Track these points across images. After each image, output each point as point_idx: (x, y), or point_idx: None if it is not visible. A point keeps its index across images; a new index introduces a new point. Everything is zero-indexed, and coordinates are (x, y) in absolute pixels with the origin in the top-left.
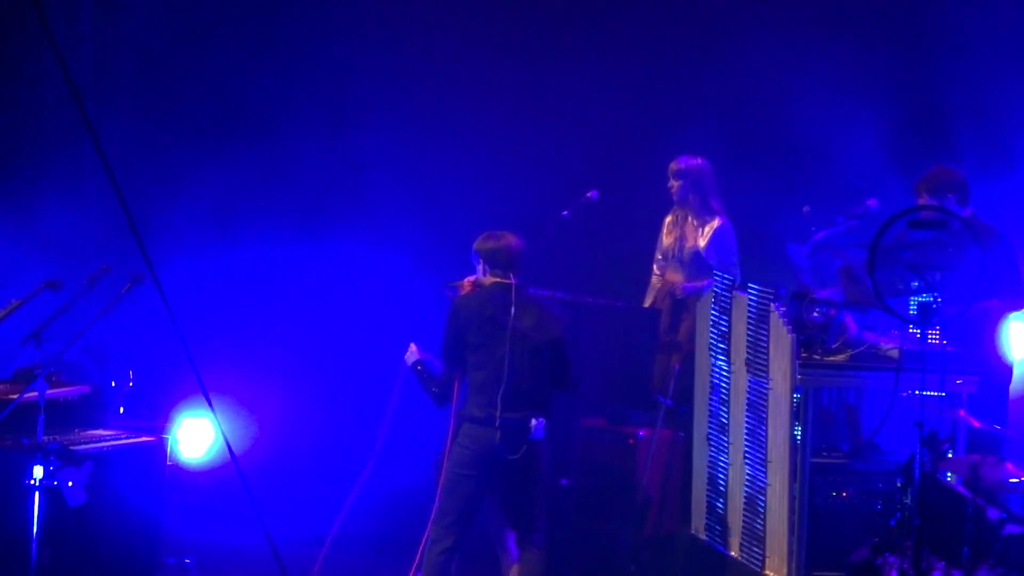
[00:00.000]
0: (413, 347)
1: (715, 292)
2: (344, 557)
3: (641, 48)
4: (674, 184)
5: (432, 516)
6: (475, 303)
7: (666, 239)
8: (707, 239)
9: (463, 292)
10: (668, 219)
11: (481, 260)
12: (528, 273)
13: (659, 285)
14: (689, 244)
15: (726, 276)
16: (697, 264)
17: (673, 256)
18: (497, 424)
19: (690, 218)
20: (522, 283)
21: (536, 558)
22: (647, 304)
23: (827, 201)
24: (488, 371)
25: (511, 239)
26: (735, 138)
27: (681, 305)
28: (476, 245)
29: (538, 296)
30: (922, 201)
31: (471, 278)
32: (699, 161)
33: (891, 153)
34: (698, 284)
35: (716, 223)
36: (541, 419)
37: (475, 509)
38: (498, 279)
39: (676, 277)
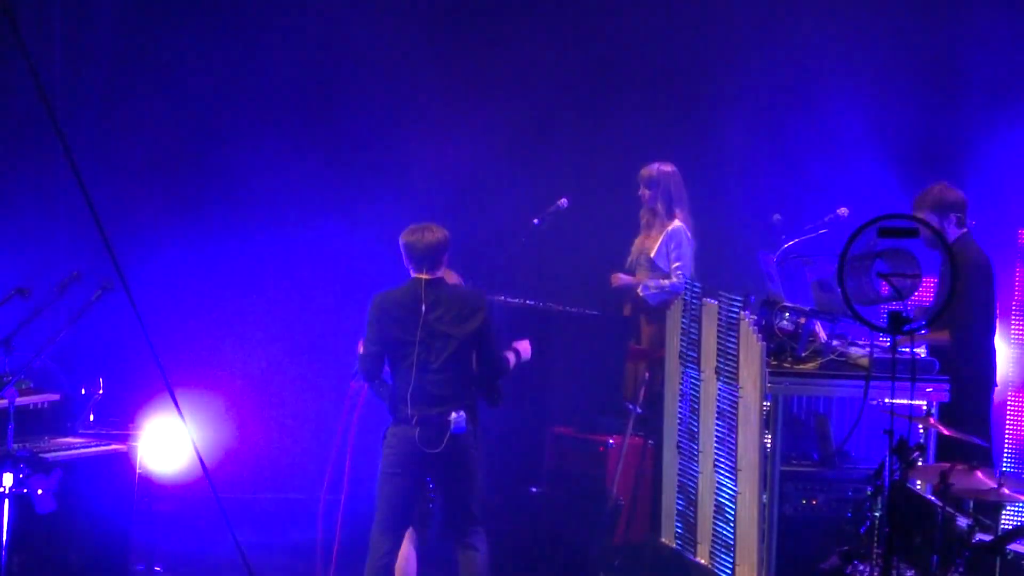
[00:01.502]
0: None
1: (684, 300)
2: (312, 565)
3: (615, 54)
4: (645, 192)
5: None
6: (392, 298)
7: (636, 245)
8: (658, 243)
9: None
10: (641, 224)
11: (402, 253)
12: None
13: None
14: (647, 247)
15: (694, 283)
16: (652, 268)
17: (637, 262)
18: (414, 421)
19: (655, 223)
20: (439, 278)
21: (475, 559)
22: (627, 311)
23: (797, 208)
24: (404, 367)
25: (433, 233)
26: (706, 146)
27: (641, 309)
28: (400, 236)
29: (458, 289)
30: (920, 215)
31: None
32: (667, 168)
33: (863, 161)
34: (634, 280)
35: (669, 226)
36: (462, 413)
37: (410, 510)
38: (417, 274)
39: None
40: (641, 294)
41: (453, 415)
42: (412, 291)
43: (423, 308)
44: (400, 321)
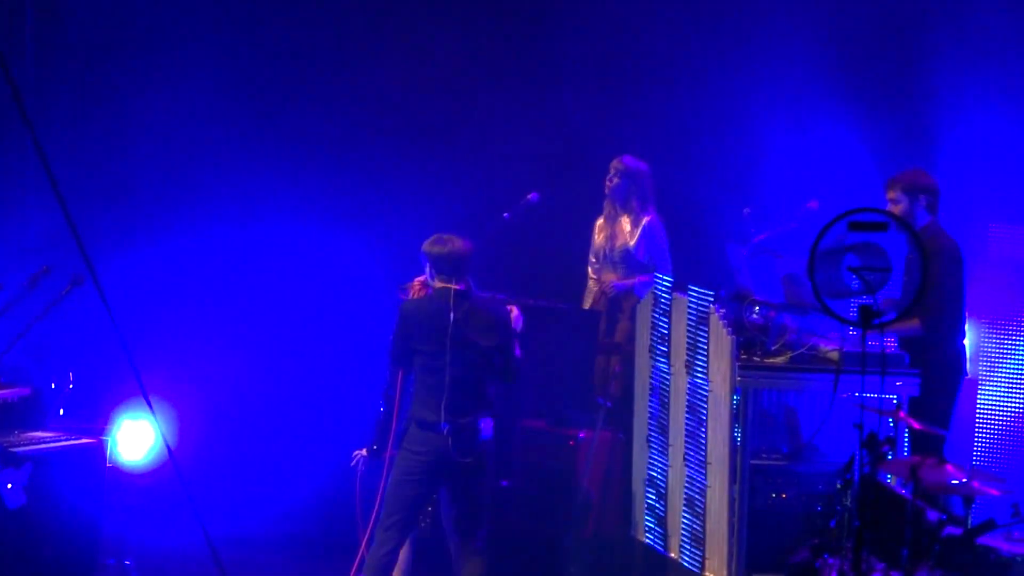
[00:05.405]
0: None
1: (655, 294)
2: (282, 558)
3: (582, 49)
4: (613, 180)
5: (374, 519)
6: (423, 307)
7: (598, 239)
8: (637, 237)
9: (412, 293)
10: (599, 220)
11: (428, 263)
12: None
13: (595, 288)
14: (619, 243)
15: (665, 277)
16: (628, 262)
17: (605, 256)
18: (447, 430)
19: (622, 218)
20: (469, 287)
21: (478, 564)
22: (586, 307)
23: (768, 202)
24: (435, 376)
25: (458, 243)
26: (676, 138)
27: (617, 306)
28: (424, 247)
29: (485, 300)
30: (891, 197)
31: (421, 279)
32: (643, 165)
33: (834, 155)
34: (629, 282)
35: (645, 220)
36: (489, 419)
37: (419, 513)
38: (444, 283)
39: (610, 277)
40: (636, 294)
41: (481, 423)
42: (440, 301)
43: (451, 317)
44: (432, 329)
